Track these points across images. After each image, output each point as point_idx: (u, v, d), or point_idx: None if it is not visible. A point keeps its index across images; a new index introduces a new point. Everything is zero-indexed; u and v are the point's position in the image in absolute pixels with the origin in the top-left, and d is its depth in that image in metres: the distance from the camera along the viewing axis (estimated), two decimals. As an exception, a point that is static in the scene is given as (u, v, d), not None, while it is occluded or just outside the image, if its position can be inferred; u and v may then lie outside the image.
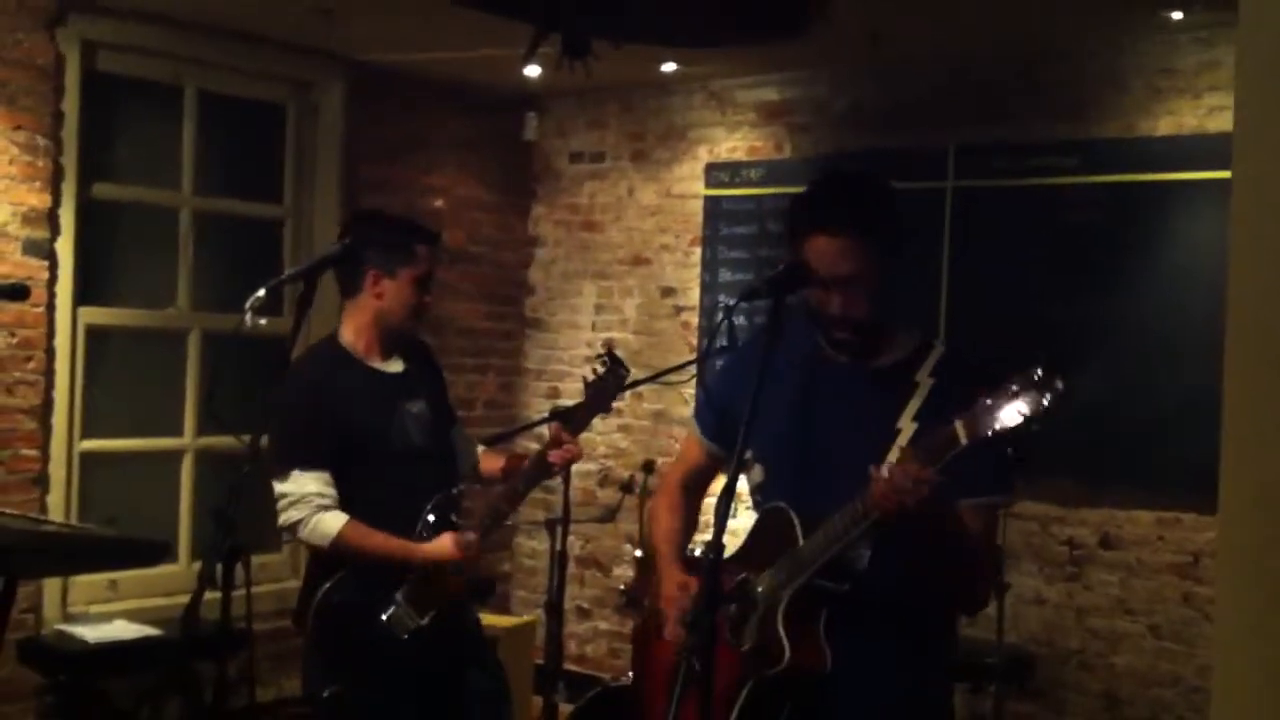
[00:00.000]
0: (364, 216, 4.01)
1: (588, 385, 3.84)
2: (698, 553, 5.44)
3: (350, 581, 3.62)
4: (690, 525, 3.04)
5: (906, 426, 2.53)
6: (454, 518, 3.77)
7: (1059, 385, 2.20)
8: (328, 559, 3.63)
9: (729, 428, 2.83)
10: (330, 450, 3.62)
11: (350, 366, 3.72)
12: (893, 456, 2.45)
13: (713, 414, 2.93)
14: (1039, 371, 2.22)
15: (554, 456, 3.75)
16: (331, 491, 3.60)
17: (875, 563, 2.52)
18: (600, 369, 3.81)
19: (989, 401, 2.25)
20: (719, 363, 3.12)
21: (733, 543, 2.58)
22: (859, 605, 2.50)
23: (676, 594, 2.77)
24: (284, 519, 3.62)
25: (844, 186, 2.66)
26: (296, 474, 3.58)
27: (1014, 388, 2.23)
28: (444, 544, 3.64)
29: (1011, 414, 2.22)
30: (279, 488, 3.61)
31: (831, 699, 2.52)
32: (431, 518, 3.70)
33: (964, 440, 2.26)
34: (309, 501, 3.57)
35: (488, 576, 4.03)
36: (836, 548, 2.46)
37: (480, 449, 4.12)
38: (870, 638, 2.53)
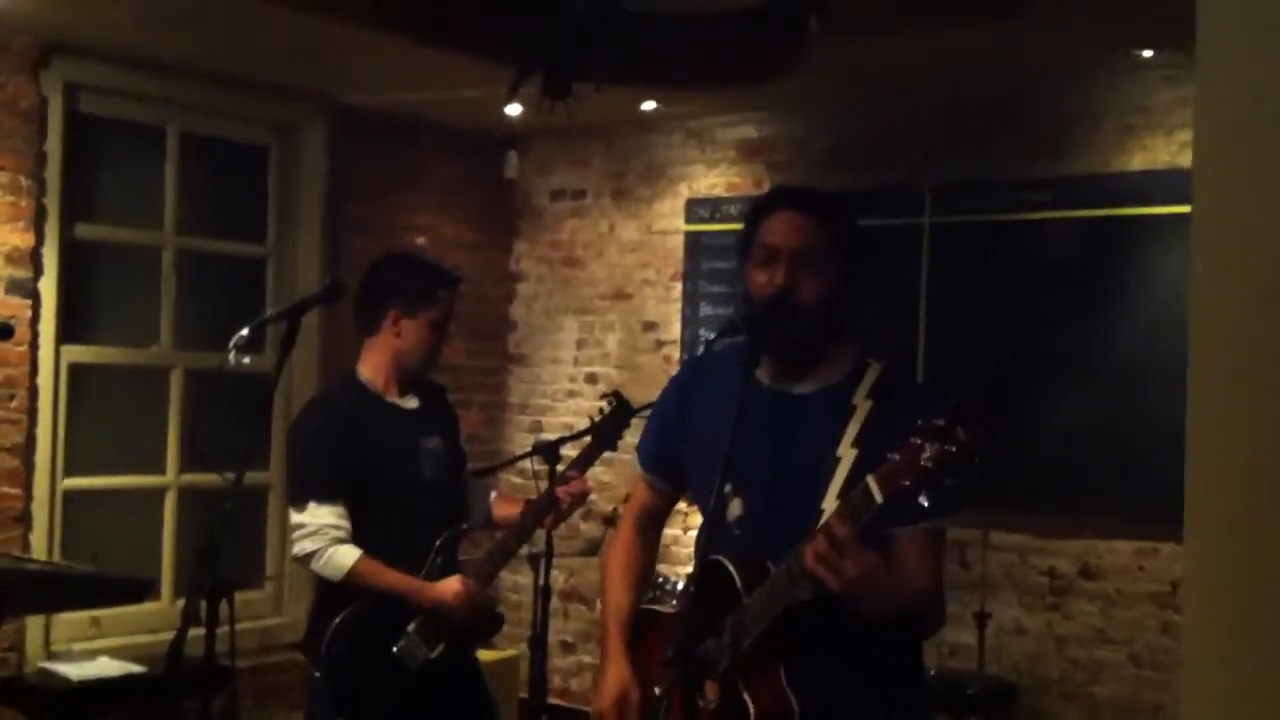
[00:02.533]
0: (390, 259, 4.12)
1: (595, 424, 4.03)
2: (667, 583, 5.45)
3: (363, 613, 3.68)
4: (645, 576, 2.99)
5: (846, 453, 2.51)
6: (458, 554, 3.88)
7: (961, 436, 2.18)
8: (338, 590, 3.68)
9: (669, 460, 2.86)
10: (347, 483, 3.69)
11: (369, 401, 3.80)
12: (833, 489, 2.46)
13: (654, 447, 2.91)
14: (941, 422, 2.20)
15: (562, 492, 3.86)
16: (346, 524, 3.68)
17: (823, 592, 2.43)
18: (606, 409, 4.02)
19: (897, 458, 2.24)
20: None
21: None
22: (817, 649, 2.47)
23: (615, 693, 2.74)
24: (298, 549, 3.69)
25: (803, 187, 2.75)
26: (313, 506, 3.66)
27: (917, 440, 2.22)
28: (451, 588, 3.72)
29: (919, 469, 2.21)
30: (295, 518, 3.70)
31: None
32: (440, 555, 3.78)
33: (879, 499, 2.27)
34: (325, 534, 3.65)
35: (496, 613, 4.10)
36: (780, 608, 2.43)
37: (493, 495, 4.19)
38: (832, 675, 2.49)
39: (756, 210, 2.67)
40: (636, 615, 2.89)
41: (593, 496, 5.23)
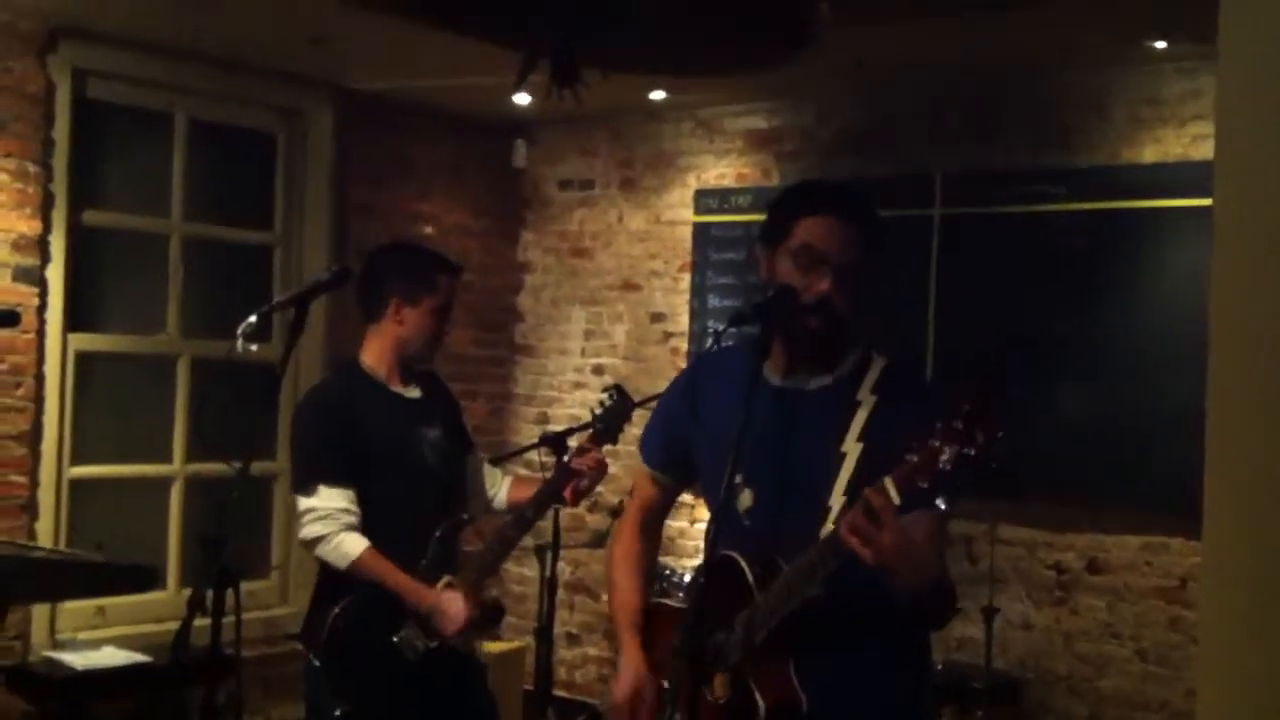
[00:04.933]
0: (390, 246, 4.12)
1: (595, 418, 3.99)
2: (674, 575, 5.43)
3: (363, 603, 3.65)
4: (649, 573, 2.98)
5: (851, 448, 2.50)
6: (459, 545, 3.85)
7: (979, 439, 2.18)
8: (338, 579, 3.66)
9: (675, 455, 2.84)
10: (353, 468, 3.67)
11: (372, 389, 3.79)
12: (839, 485, 2.45)
13: (660, 442, 2.90)
14: (959, 423, 2.19)
15: (578, 464, 3.82)
16: (357, 510, 3.66)
17: (834, 587, 2.44)
18: (607, 401, 3.99)
19: (915, 459, 2.23)
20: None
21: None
22: (826, 644, 2.46)
23: (630, 688, 2.73)
24: (307, 532, 3.66)
25: (843, 185, 2.70)
26: (324, 489, 3.64)
27: (936, 443, 2.21)
28: (451, 608, 3.66)
29: (937, 472, 2.21)
30: (304, 502, 3.67)
31: None
32: (438, 546, 3.75)
33: (897, 500, 2.25)
34: (336, 518, 3.63)
35: (497, 603, 4.06)
36: (794, 604, 2.42)
37: (508, 478, 4.16)
38: (841, 670, 2.49)
39: (799, 201, 2.62)
40: (646, 609, 2.88)
41: (599, 489, 5.23)
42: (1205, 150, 5.19)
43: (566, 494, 3.90)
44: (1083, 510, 5.48)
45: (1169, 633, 5.30)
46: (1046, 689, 5.55)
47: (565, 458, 3.95)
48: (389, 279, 3.81)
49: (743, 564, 2.53)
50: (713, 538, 2.45)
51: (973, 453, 2.18)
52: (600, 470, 3.91)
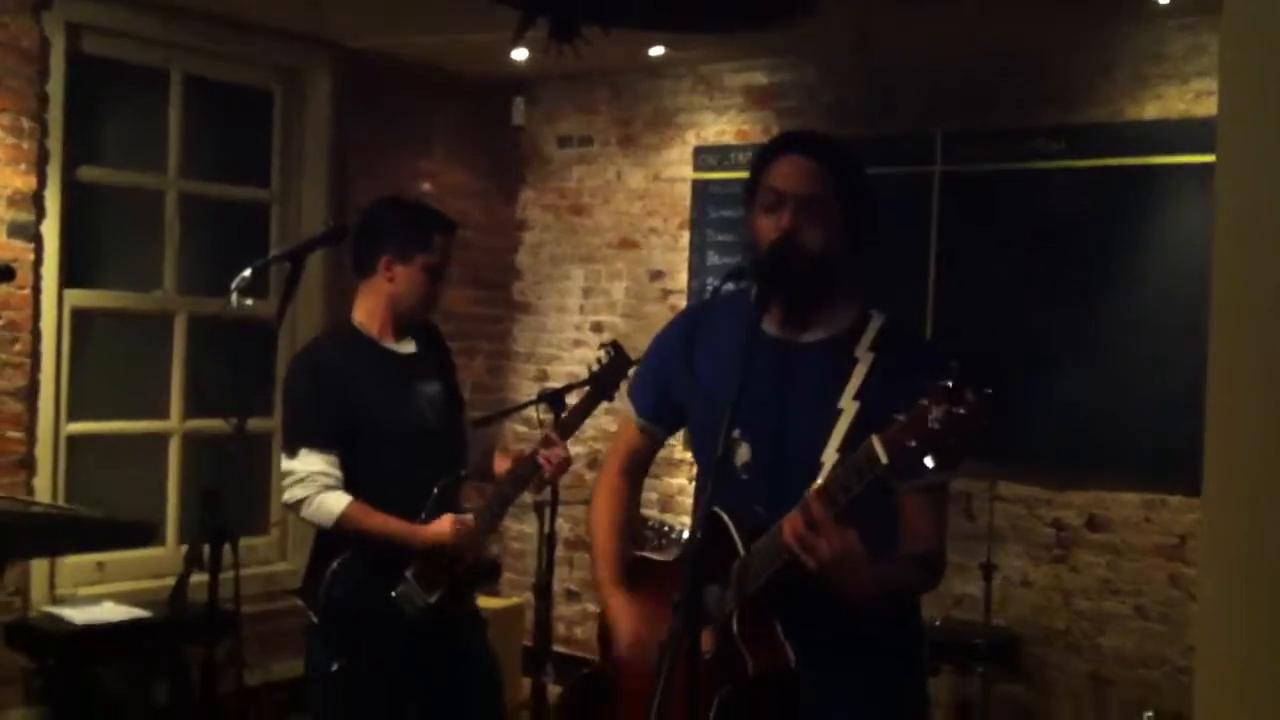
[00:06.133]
0: (385, 201, 4.03)
1: (592, 375, 3.97)
2: (672, 531, 5.43)
3: (360, 558, 3.66)
4: (630, 520, 2.99)
5: (848, 406, 2.48)
6: (459, 500, 3.84)
7: (970, 398, 2.12)
8: (336, 536, 3.66)
9: (665, 404, 2.83)
10: (340, 431, 3.65)
11: (364, 347, 3.76)
12: (833, 443, 2.44)
13: (650, 392, 2.89)
14: (949, 384, 2.13)
15: (543, 458, 3.81)
16: (337, 472, 3.65)
17: None
18: (604, 358, 3.96)
19: (903, 419, 2.18)
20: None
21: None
22: (813, 601, 2.43)
23: (635, 636, 2.74)
24: (288, 496, 3.67)
25: (811, 130, 2.72)
26: (304, 453, 3.64)
27: (925, 402, 2.15)
28: (443, 527, 3.68)
29: (927, 431, 2.15)
30: (286, 464, 3.67)
31: (802, 697, 2.48)
32: (437, 501, 3.74)
33: (884, 460, 2.20)
34: (314, 480, 3.62)
35: (493, 559, 4.05)
36: (779, 564, 2.40)
37: (496, 452, 4.16)
38: (829, 627, 2.47)
39: (763, 155, 2.63)
40: (632, 562, 2.88)
41: (599, 446, 5.22)
42: (1208, 107, 5.16)
43: (529, 486, 3.90)
44: (1082, 467, 5.48)
45: (1168, 590, 5.31)
46: (1046, 646, 5.57)
47: (552, 426, 3.93)
48: (382, 235, 3.76)
49: (728, 520, 2.52)
50: (709, 493, 2.45)
51: (962, 412, 2.12)
52: (563, 467, 3.87)
